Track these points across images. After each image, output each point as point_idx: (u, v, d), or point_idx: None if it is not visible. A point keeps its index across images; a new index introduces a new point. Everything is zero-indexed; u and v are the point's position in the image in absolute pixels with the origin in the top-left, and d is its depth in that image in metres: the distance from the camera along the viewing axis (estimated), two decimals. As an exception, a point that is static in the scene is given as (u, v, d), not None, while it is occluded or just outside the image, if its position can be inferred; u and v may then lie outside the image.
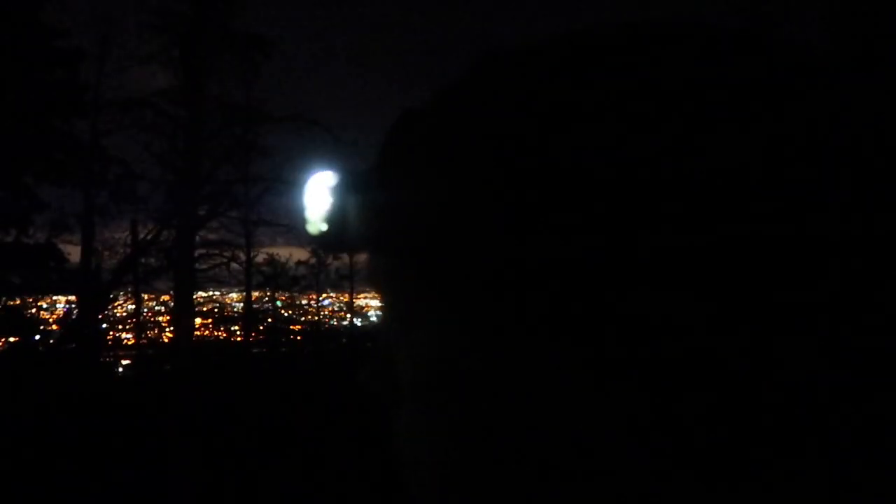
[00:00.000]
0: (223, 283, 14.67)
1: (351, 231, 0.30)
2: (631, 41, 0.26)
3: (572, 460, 0.24)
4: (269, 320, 17.16)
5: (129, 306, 15.33)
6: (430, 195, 0.26)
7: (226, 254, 13.78)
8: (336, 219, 0.31)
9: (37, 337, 13.72)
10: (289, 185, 12.06)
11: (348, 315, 19.55)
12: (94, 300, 11.33)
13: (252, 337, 15.93)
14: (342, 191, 0.30)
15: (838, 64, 0.25)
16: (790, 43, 0.26)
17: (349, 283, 18.03)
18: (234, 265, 14.12)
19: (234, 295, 17.14)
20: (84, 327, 10.97)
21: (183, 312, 11.13)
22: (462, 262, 0.25)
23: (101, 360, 12.22)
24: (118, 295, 14.35)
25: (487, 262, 0.25)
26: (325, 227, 0.31)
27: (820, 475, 0.22)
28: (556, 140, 0.24)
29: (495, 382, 0.25)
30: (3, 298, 12.44)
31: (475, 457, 0.26)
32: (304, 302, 19.18)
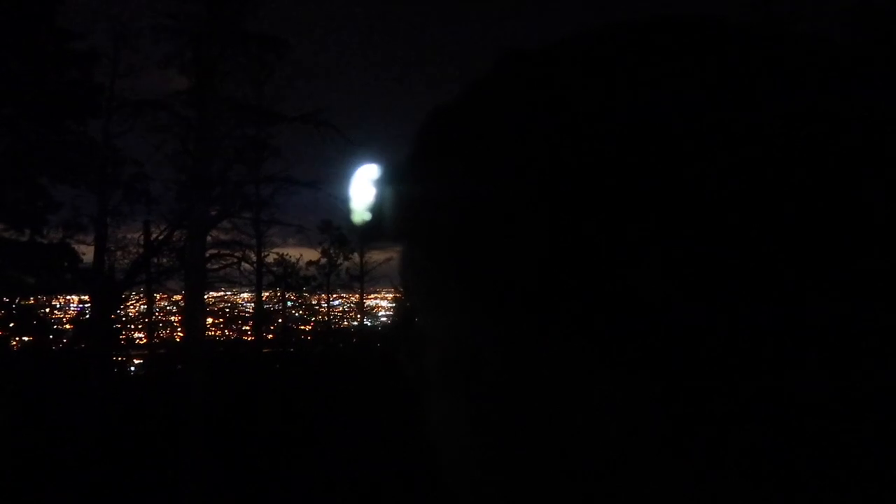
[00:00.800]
0: (234, 283, 14.75)
1: (387, 223, 0.31)
2: (656, 38, 0.26)
3: (587, 453, 0.25)
4: (280, 320, 17.24)
5: (142, 306, 15.45)
6: (460, 189, 0.27)
7: (237, 254, 13.87)
8: (376, 210, 0.32)
9: (50, 336, 13.85)
10: (300, 185, 12.11)
11: (358, 315, 19.59)
12: (107, 300, 11.43)
13: (263, 337, 16.01)
14: (381, 183, 0.31)
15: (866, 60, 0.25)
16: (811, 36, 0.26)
17: (359, 283, 18.08)
18: (245, 265, 14.20)
19: (245, 295, 17.25)
20: (97, 327, 11.07)
21: (194, 312, 11.20)
22: (491, 255, 0.26)
23: (114, 359, 12.32)
24: (130, 295, 14.48)
25: (517, 257, 0.25)
26: (366, 219, 0.32)
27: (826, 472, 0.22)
28: (590, 137, 0.24)
29: (518, 377, 0.26)
30: (18, 298, 12.57)
31: (497, 445, 0.27)
32: (314, 302, 19.25)
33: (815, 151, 0.22)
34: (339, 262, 17.59)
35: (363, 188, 0.32)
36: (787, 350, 0.22)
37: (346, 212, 0.33)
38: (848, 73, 0.25)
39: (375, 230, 0.32)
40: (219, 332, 17.54)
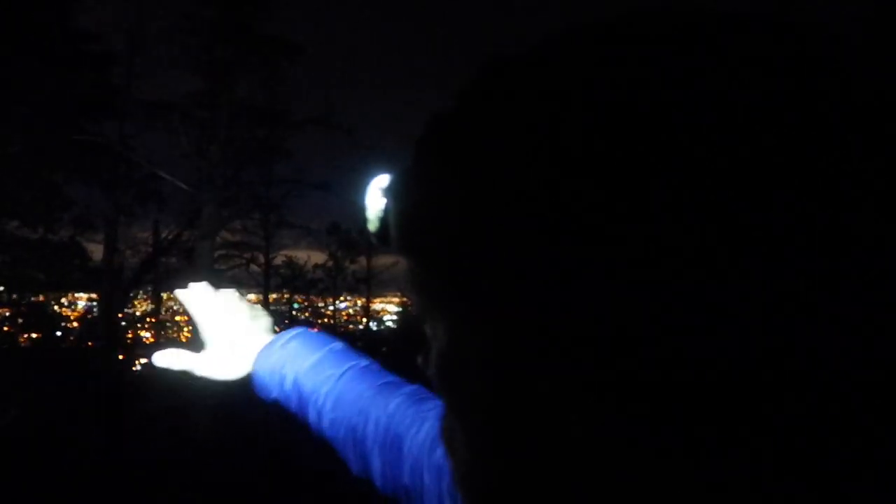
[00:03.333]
0: (242, 284, 14.82)
1: (392, 234, 0.31)
2: (649, 38, 0.25)
3: (572, 476, 0.25)
4: (286, 322, 17.27)
5: (150, 306, 15.52)
6: (455, 199, 0.27)
7: (246, 255, 13.93)
8: (383, 219, 0.32)
9: (58, 333, 13.94)
10: (311, 187, 12.17)
11: (364, 319, 19.58)
12: (114, 298, 11.51)
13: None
14: (384, 193, 0.32)
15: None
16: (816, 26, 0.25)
17: (366, 287, 18.08)
18: (253, 266, 14.26)
19: (251, 296, 17.30)
20: (104, 325, 11.14)
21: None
22: (486, 266, 0.25)
23: (120, 357, 12.39)
24: (138, 294, 14.55)
25: (512, 268, 0.25)
26: (375, 227, 0.33)
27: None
28: (590, 144, 0.24)
29: (511, 387, 0.26)
30: (28, 294, 12.67)
31: (494, 450, 0.27)
32: (320, 305, 19.27)
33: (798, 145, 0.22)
34: (346, 265, 17.62)
35: (376, 197, 0.33)
36: (778, 379, 0.21)
37: (361, 220, 0.34)
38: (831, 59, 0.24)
39: (383, 239, 0.33)
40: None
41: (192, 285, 0.82)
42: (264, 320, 0.81)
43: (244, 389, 0.77)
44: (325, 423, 0.71)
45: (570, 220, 0.23)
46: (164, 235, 12.43)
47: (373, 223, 0.34)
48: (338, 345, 0.77)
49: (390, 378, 0.72)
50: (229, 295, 0.82)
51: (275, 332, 0.80)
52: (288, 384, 0.73)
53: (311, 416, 0.72)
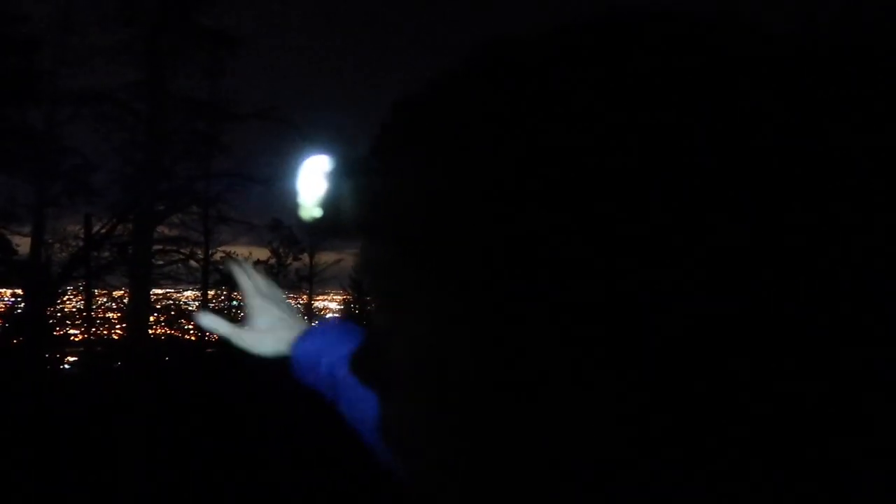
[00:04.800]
0: (180, 281, 14.37)
1: (345, 217, 0.30)
2: (626, 30, 0.26)
3: (569, 454, 0.23)
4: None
5: (79, 302, 14.88)
6: (429, 181, 0.26)
7: (183, 250, 13.52)
8: (331, 204, 0.31)
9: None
10: (252, 182, 11.92)
11: (306, 317, 19.30)
12: (42, 294, 10.98)
13: (206, 337, 15.63)
14: (337, 176, 0.31)
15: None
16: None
17: (308, 284, 17.83)
18: (191, 262, 13.86)
19: (189, 293, 16.80)
20: (30, 322, 10.62)
21: (138, 309, 10.89)
22: (460, 249, 0.25)
23: (47, 355, 11.84)
24: (67, 290, 13.92)
25: (486, 250, 0.24)
26: (318, 213, 0.33)
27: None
28: (560, 126, 0.24)
29: (490, 371, 0.25)
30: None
31: (471, 444, 0.26)
32: (261, 302, 18.82)
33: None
34: (288, 262, 17.34)
35: (313, 181, 0.32)
36: (778, 346, 0.21)
37: (294, 206, 0.34)
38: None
39: (331, 225, 0.32)
40: (161, 329, 17.03)
41: (245, 266, 0.88)
42: (294, 308, 0.89)
43: (276, 367, 0.82)
44: (357, 412, 0.74)
45: (559, 205, 0.23)
46: (97, 229, 11.93)
47: (311, 209, 0.33)
48: None
49: None
50: (274, 286, 0.90)
51: (305, 322, 0.86)
52: (323, 372, 0.78)
53: (344, 405, 0.76)
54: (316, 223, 0.33)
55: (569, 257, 0.22)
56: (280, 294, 0.90)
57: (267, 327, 0.84)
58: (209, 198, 12.68)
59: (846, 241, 0.21)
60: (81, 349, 14.44)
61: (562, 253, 0.23)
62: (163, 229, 12.45)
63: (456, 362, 0.25)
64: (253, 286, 0.87)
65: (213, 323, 0.85)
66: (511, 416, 0.24)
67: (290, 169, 0.35)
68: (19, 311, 12.73)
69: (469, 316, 0.25)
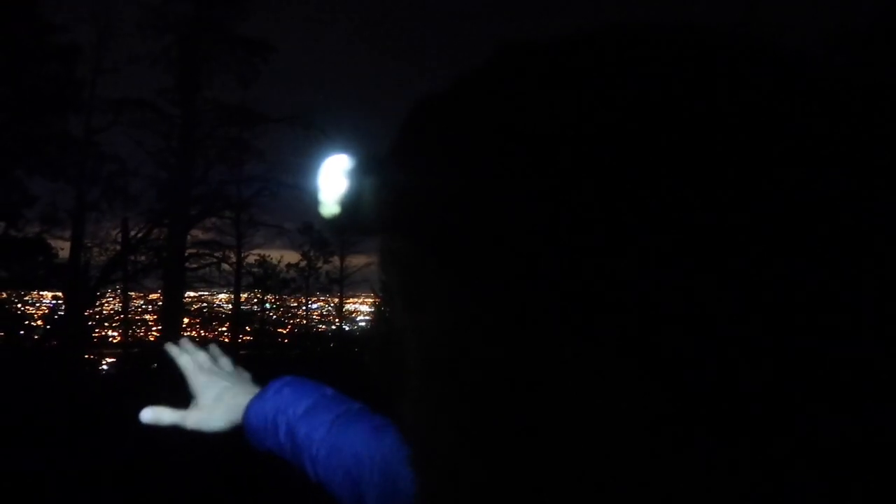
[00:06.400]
0: (213, 284, 14.63)
1: (365, 214, 0.30)
2: (645, 39, 0.26)
3: (590, 452, 0.23)
4: (258, 323, 17.09)
5: (117, 304, 15.25)
6: (451, 178, 0.26)
7: (217, 254, 13.77)
8: (351, 201, 0.31)
9: (21, 332, 13.58)
10: (283, 186, 12.08)
11: (337, 320, 19.48)
12: (81, 296, 11.27)
13: (240, 338, 15.87)
14: (358, 174, 0.31)
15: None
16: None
17: (339, 287, 18.00)
18: (224, 266, 14.10)
19: (222, 296, 17.10)
20: (70, 324, 10.90)
21: (172, 311, 11.09)
22: (478, 247, 0.25)
23: (85, 357, 12.13)
24: (105, 292, 14.29)
25: (505, 248, 0.24)
26: (338, 210, 0.32)
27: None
28: (582, 127, 0.24)
29: (508, 370, 0.24)
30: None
31: (488, 441, 0.25)
32: (293, 305, 19.13)
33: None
34: (318, 265, 17.53)
35: (333, 179, 0.32)
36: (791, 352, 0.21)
37: (315, 204, 0.33)
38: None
39: (350, 222, 0.32)
40: (195, 332, 17.35)
41: (176, 343, 0.85)
42: (246, 374, 0.85)
43: (234, 440, 0.78)
44: (321, 469, 0.71)
45: (578, 202, 0.23)
46: (133, 233, 12.21)
47: (332, 206, 0.33)
48: (328, 390, 0.78)
49: (379, 420, 0.73)
50: (213, 350, 0.87)
51: (257, 385, 0.82)
52: (281, 433, 0.74)
53: (307, 464, 0.73)
54: (336, 220, 0.32)
55: (591, 256, 0.22)
56: (226, 360, 0.87)
57: (213, 401, 0.80)
58: (241, 202, 12.88)
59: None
60: (119, 350, 14.80)
61: (583, 252, 0.23)
62: (196, 233, 12.70)
63: (474, 360, 0.25)
64: (193, 364, 0.83)
65: (154, 416, 0.80)
66: (527, 416, 0.24)
67: (315, 171, 0.33)
68: (60, 313, 13.09)
69: (488, 313, 0.25)
